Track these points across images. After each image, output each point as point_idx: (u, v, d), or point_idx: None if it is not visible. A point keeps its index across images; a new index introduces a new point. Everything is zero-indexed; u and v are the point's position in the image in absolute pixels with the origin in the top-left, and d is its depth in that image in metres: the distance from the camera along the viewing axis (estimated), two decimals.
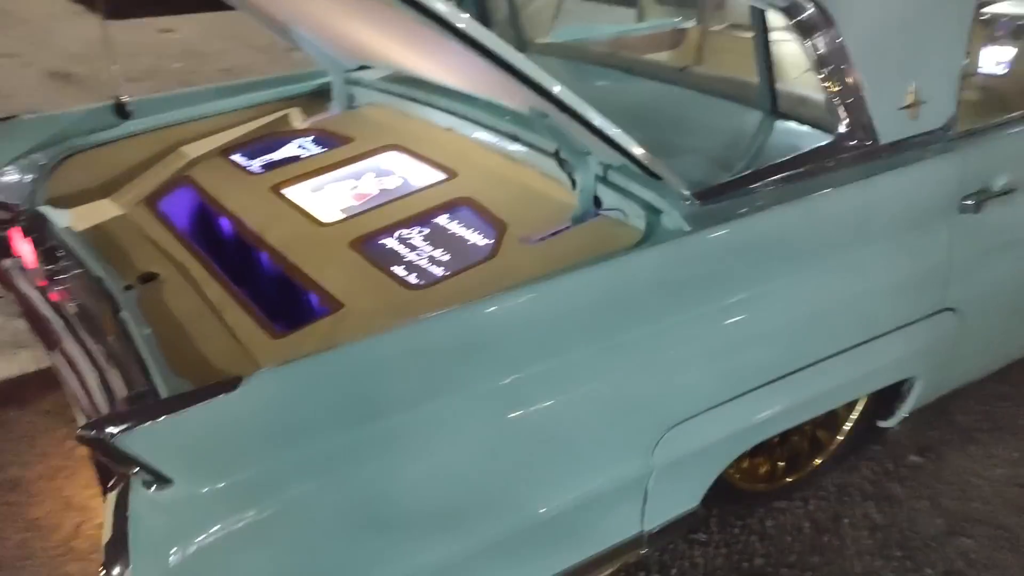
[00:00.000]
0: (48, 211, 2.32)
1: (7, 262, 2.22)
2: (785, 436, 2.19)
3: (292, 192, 2.26)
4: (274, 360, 1.63)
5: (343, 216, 2.10)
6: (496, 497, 1.56)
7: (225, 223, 2.25)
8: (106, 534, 1.28)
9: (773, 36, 3.32)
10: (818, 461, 2.33)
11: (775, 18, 3.23)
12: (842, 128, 1.96)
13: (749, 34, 3.36)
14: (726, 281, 1.75)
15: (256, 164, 2.49)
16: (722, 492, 1.99)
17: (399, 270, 1.85)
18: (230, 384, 1.25)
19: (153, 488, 1.27)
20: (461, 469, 1.50)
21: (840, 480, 2.36)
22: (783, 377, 1.85)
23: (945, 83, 2.06)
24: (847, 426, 2.30)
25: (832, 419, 2.28)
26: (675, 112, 2.37)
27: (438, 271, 1.83)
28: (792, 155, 1.92)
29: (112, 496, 1.31)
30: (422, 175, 2.25)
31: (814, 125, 2.10)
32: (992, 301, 2.25)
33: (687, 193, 1.74)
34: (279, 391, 1.32)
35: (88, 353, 1.82)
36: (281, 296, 1.94)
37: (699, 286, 1.72)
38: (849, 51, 1.92)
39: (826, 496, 2.31)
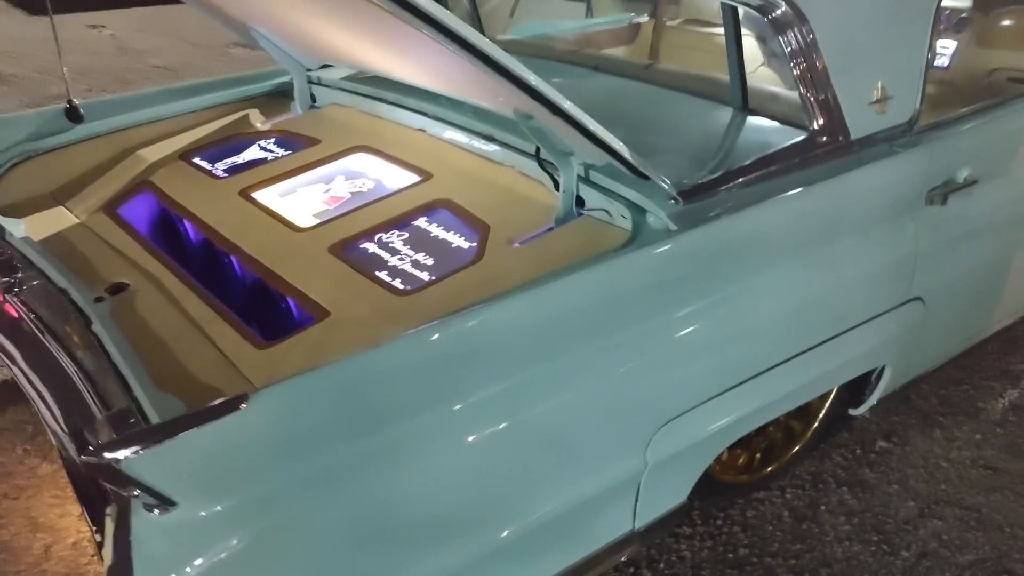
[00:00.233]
0: (0, 220, 2.22)
1: None
2: (762, 427, 2.23)
3: (261, 196, 2.21)
4: (262, 371, 1.62)
5: (318, 221, 2.06)
6: (497, 503, 1.56)
7: (194, 230, 2.18)
8: (107, 560, 1.23)
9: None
10: (796, 448, 2.37)
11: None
12: (815, 124, 2.00)
13: (706, 29, 3.46)
14: (714, 279, 1.77)
15: (219, 168, 2.42)
16: (705, 485, 2.02)
17: (383, 275, 1.81)
18: (236, 402, 1.22)
19: (156, 511, 1.22)
20: (462, 476, 1.49)
21: (813, 468, 2.42)
22: (769, 369, 1.88)
23: (910, 78, 2.11)
24: (820, 414, 2.36)
25: (805, 409, 2.33)
26: (644, 109, 2.38)
27: (424, 275, 1.81)
28: (769, 152, 1.95)
29: (110, 520, 1.26)
30: (395, 177, 2.22)
31: (784, 121, 2.13)
32: (955, 289, 2.33)
33: (673, 193, 1.75)
34: (285, 406, 1.29)
35: (56, 368, 1.74)
36: (262, 305, 1.89)
37: (689, 284, 1.73)
38: (821, 48, 1.95)
39: (801, 484, 2.36)
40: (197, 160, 2.47)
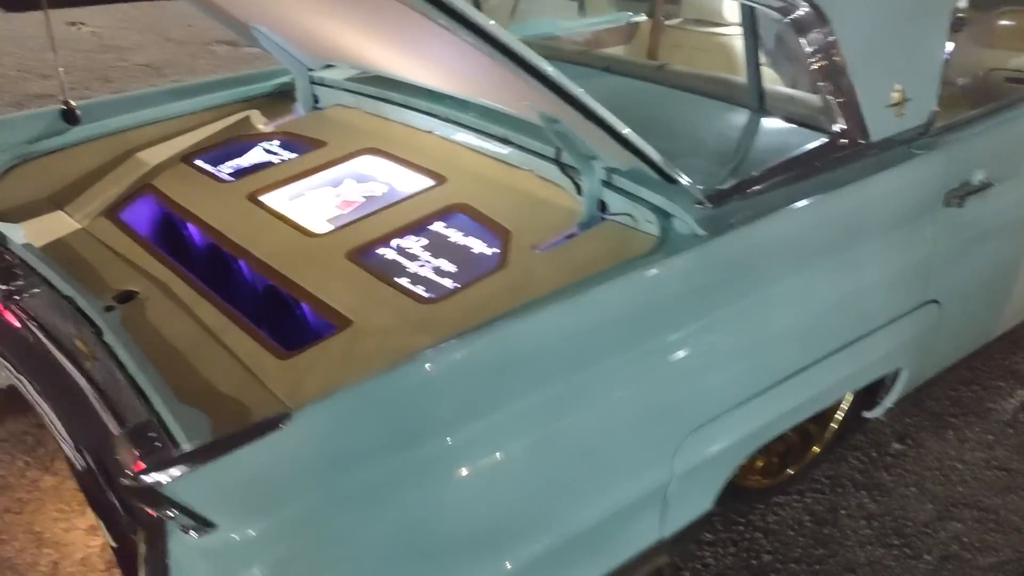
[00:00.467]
0: None
1: None
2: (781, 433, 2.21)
3: (271, 200, 2.15)
4: (285, 382, 1.57)
5: (332, 226, 2.01)
6: (532, 515, 1.53)
7: (201, 235, 2.12)
8: None
9: (729, 31, 3.37)
10: (816, 450, 2.36)
11: (732, 15, 3.29)
12: (836, 126, 1.98)
13: (707, 29, 3.44)
14: (742, 285, 1.74)
15: (224, 171, 2.36)
16: (728, 491, 2.00)
17: (405, 282, 1.77)
18: (276, 421, 1.17)
19: (193, 533, 1.18)
20: (499, 488, 1.46)
21: (831, 472, 2.40)
22: (795, 374, 1.86)
23: (928, 80, 2.10)
24: (838, 417, 2.34)
25: (823, 413, 2.31)
26: (659, 111, 2.34)
27: (448, 283, 1.76)
28: (792, 155, 1.92)
29: (143, 542, 1.22)
30: (407, 181, 2.17)
31: (802, 123, 2.11)
32: (970, 291, 2.32)
33: (702, 197, 1.72)
34: (326, 424, 1.25)
35: (66, 380, 1.68)
36: (280, 313, 1.84)
37: (718, 291, 1.71)
38: (842, 49, 1.93)
39: (820, 489, 2.34)
40: (199, 163, 2.41)
